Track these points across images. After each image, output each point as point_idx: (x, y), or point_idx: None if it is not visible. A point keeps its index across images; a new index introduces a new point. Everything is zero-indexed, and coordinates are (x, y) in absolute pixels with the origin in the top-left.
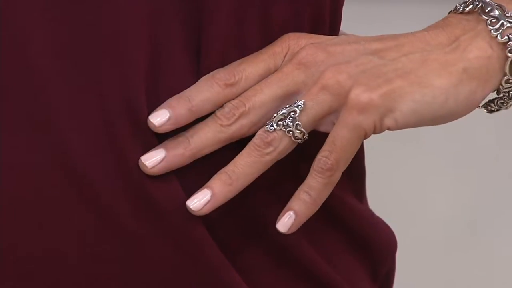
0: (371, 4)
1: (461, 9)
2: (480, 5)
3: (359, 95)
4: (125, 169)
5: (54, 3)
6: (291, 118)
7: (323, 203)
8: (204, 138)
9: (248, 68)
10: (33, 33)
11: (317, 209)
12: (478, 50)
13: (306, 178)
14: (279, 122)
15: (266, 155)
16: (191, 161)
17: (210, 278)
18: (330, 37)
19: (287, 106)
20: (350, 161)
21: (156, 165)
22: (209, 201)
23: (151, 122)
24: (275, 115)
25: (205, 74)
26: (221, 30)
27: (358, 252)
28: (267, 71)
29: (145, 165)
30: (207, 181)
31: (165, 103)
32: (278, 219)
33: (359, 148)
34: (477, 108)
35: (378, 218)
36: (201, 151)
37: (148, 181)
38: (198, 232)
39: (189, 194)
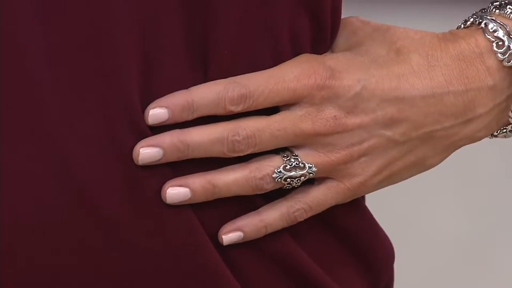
0: (370, 3)
1: (475, 48)
2: (505, 56)
3: (363, 185)
4: (126, 178)
5: (49, 12)
6: (297, 181)
7: (327, 214)
8: (204, 153)
9: (265, 93)
10: (30, 43)
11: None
12: (486, 130)
13: (272, 210)
14: (287, 179)
15: (256, 191)
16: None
17: (206, 277)
18: (351, 85)
19: (300, 171)
20: None
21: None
22: (186, 200)
23: (147, 118)
24: (289, 174)
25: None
26: (228, 36)
27: (359, 264)
28: (279, 103)
29: (137, 160)
30: None
31: (167, 101)
32: (226, 231)
33: None
34: None
35: (378, 225)
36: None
37: (148, 185)
38: (200, 240)
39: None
